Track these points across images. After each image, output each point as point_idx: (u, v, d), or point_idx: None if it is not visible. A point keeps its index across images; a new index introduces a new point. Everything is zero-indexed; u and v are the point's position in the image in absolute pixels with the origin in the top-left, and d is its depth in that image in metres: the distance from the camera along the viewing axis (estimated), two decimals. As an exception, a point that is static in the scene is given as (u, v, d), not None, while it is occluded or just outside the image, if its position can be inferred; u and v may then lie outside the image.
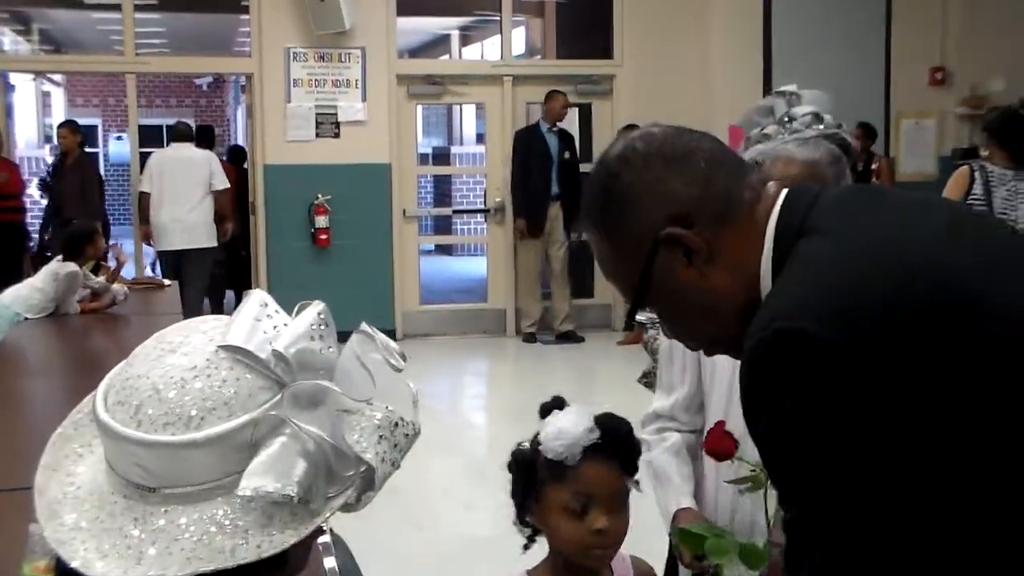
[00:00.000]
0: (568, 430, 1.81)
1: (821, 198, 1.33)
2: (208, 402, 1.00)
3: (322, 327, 1.05)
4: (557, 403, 1.89)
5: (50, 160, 10.70)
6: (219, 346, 1.04)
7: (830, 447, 1.15)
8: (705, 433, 2.09)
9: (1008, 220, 5.32)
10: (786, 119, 2.51)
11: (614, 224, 1.38)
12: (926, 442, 1.13)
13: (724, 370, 2.09)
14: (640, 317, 1.42)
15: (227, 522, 1.00)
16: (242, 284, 10.36)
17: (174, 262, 8.84)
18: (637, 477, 1.90)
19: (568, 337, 9.43)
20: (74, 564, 1.01)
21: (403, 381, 1.11)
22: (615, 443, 1.83)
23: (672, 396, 2.25)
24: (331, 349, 1.05)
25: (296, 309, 1.09)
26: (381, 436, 1.05)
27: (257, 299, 1.10)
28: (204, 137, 9.98)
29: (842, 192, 1.35)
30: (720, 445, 1.91)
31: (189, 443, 0.99)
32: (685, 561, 2.02)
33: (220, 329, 1.07)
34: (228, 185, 8.98)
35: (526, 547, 1.92)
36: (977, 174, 5.70)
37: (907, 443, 1.13)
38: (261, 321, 1.06)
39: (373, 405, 1.06)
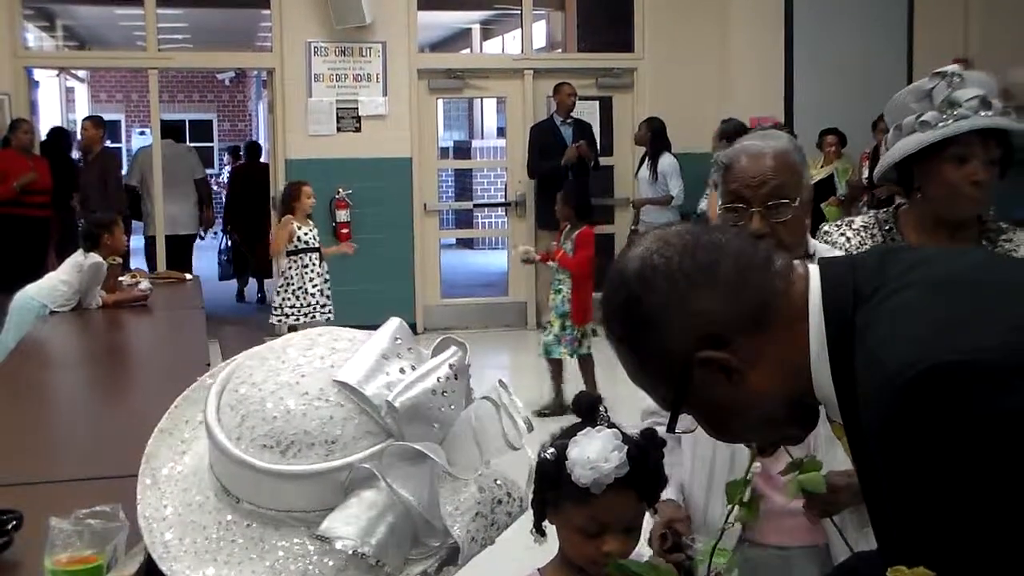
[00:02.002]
0: (598, 463, 1.75)
1: (859, 267, 1.26)
2: (309, 437, 0.95)
3: (450, 380, 0.98)
4: (591, 403, 1.85)
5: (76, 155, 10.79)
6: (334, 380, 0.97)
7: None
8: None
9: None
10: (947, 104, 2.26)
11: (640, 345, 1.28)
12: None
13: None
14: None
15: (303, 557, 0.95)
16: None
17: (174, 248, 9.86)
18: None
19: (588, 330, 9.38)
20: (150, 548, 0.99)
21: (525, 449, 1.03)
22: (642, 476, 1.81)
23: None
24: (452, 407, 0.98)
25: (434, 347, 1.02)
26: (478, 513, 0.97)
27: (390, 331, 1.02)
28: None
29: (880, 255, 1.29)
30: None
31: (278, 473, 0.94)
32: (655, 549, 2.03)
33: (346, 354, 1.00)
34: (205, 174, 10.99)
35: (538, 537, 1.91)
36: None
37: None
38: (388, 359, 0.99)
39: (483, 475, 0.99)
